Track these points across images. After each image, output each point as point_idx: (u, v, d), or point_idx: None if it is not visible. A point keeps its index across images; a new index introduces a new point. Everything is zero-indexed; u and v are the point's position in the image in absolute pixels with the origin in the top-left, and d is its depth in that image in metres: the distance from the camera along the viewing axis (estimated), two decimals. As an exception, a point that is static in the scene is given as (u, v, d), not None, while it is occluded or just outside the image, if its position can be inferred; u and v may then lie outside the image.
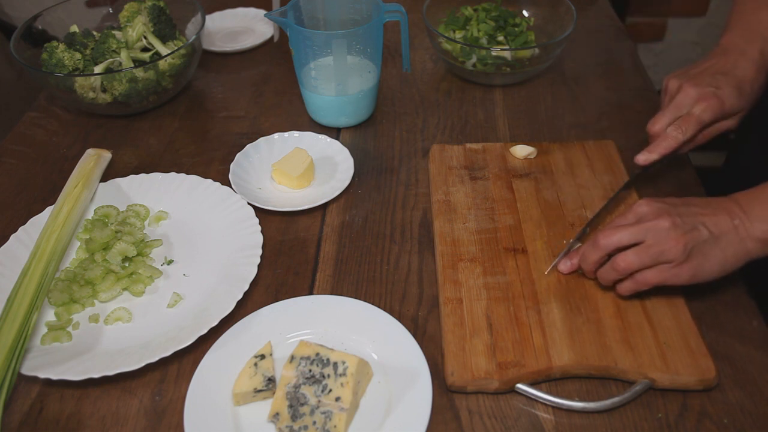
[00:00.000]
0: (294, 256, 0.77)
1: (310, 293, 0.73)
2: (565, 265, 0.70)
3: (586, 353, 0.63)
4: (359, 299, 0.70)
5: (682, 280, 0.62)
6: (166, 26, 1.01)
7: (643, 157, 0.74)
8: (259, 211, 0.81)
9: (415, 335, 0.66)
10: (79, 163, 0.85)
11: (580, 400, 0.61)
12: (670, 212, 0.63)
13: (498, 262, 0.72)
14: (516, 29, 1.03)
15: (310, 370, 0.60)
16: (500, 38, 1.03)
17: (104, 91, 0.94)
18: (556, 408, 0.61)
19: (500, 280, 0.70)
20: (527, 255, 0.73)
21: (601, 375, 0.63)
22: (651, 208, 0.64)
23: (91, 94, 0.94)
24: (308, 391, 0.59)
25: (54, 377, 0.63)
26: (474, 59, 1.00)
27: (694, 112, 0.72)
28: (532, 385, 0.62)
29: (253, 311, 0.69)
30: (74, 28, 1.01)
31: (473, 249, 0.74)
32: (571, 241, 0.73)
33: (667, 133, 0.73)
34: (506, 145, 0.87)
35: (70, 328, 0.70)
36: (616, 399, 0.60)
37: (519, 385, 0.62)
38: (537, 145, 0.86)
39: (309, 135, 0.91)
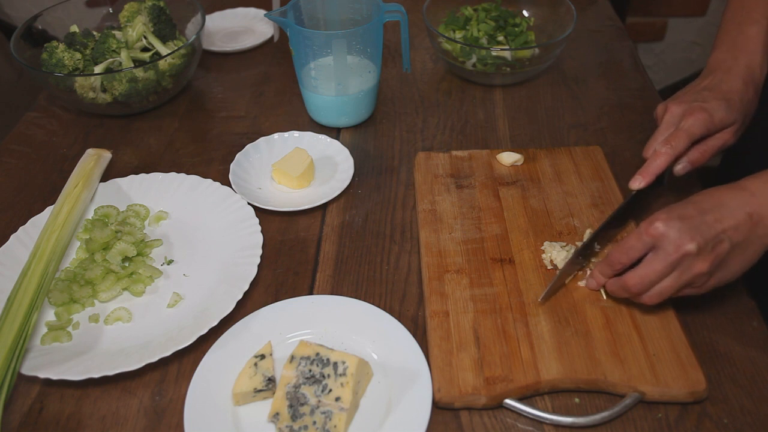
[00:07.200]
0: (294, 256, 0.77)
1: (310, 293, 0.73)
2: (592, 283, 0.69)
3: (574, 367, 0.62)
4: (359, 299, 0.70)
5: (708, 290, 0.63)
6: (166, 26, 1.01)
7: (636, 183, 0.72)
8: (259, 211, 0.81)
9: (415, 335, 0.66)
10: (79, 163, 0.85)
11: (569, 414, 0.60)
12: (692, 233, 0.59)
13: (485, 273, 0.71)
14: (516, 29, 1.03)
15: (310, 370, 0.60)
16: (500, 38, 1.03)
17: (104, 91, 0.94)
18: (547, 423, 0.61)
19: (487, 292, 0.69)
20: (514, 265, 0.72)
21: (590, 388, 0.62)
22: (670, 229, 0.59)
23: (91, 94, 0.94)
24: (308, 391, 0.59)
25: (54, 377, 0.63)
26: (474, 59, 1.00)
27: (682, 126, 0.71)
28: (520, 400, 0.61)
29: (253, 311, 0.69)
30: (74, 28, 1.01)
31: (460, 260, 0.72)
32: (563, 266, 0.69)
33: (657, 151, 0.71)
34: (493, 152, 0.86)
35: (70, 328, 0.70)
36: (605, 414, 0.60)
37: (507, 401, 0.61)
38: (524, 152, 0.86)
39: (309, 135, 0.91)
